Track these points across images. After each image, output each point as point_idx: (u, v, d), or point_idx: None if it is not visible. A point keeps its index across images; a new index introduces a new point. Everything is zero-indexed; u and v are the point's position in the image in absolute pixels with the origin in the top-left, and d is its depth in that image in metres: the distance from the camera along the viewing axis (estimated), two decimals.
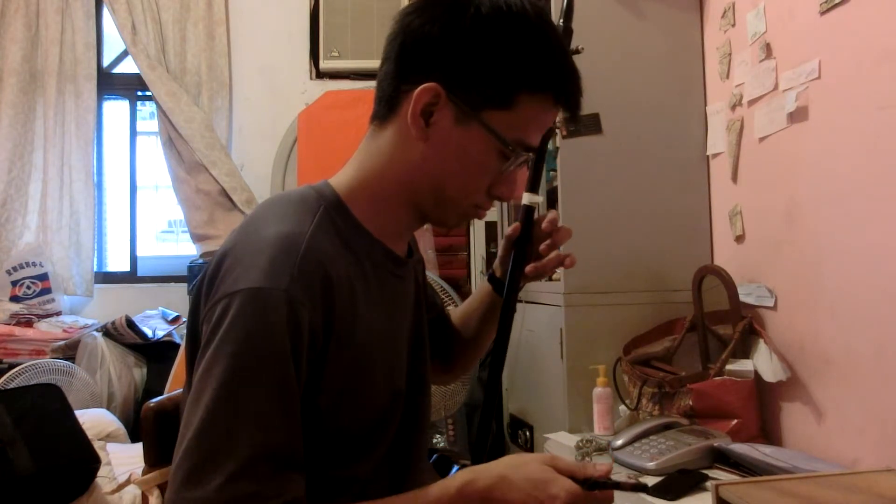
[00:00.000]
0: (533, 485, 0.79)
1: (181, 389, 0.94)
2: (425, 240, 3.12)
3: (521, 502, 0.78)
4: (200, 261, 3.13)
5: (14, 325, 2.92)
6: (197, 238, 3.30)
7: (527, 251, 1.09)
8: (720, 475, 1.40)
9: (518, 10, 0.84)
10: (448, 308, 1.24)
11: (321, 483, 0.82)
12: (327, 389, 0.80)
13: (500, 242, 1.15)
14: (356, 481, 0.86)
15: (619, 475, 0.82)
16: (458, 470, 0.91)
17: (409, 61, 0.86)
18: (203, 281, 0.83)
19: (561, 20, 1.13)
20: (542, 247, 1.09)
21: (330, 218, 0.86)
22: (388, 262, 0.91)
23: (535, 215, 1.10)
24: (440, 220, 0.94)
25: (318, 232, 0.82)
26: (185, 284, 3.17)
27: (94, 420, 2.40)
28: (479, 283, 3.14)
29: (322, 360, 0.79)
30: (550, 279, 2.11)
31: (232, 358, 0.73)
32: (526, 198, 1.10)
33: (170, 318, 3.09)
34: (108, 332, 2.87)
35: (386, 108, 0.88)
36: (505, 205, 2.53)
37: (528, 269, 1.09)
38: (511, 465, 0.81)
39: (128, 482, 1.99)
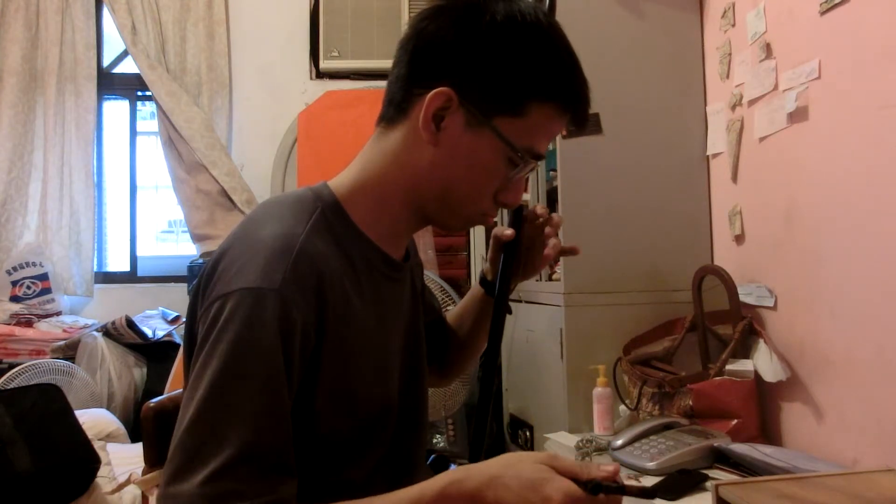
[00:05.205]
0: (526, 485, 0.72)
1: (181, 389, 0.94)
2: (425, 240, 3.11)
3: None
4: (200, 261, 3.13)
5: (14, 325, 2.92)
6: (197, 238, 3.30)
7: (517, 250, 1.07)
8: (720, 475, 1.40)
9: (532, 19, 0.84)
10: (447, 310, 1.24)
11: (316, 488, 0.81)
12: (321, 391, 0.80)
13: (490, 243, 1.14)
14: (352, 486, 0.85)
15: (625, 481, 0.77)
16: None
17: (421, 65, 0.86)
18: (200, 281, 0.83)
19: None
20: (548, 230, 1.08)
21: (326, 220, 0.86)
22: (383, 265, 0.91)
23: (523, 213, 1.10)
24: (444, 224, 0.94)
25: (312, 233, 0.82)
26: (185, 284, 3.17)
27: (94, 420, 2.40)
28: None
29: (316, 362, 0.79)
30: (550, 279, 2.11)
31: (224, 357, 0.73)
32: None
33: (170, 318, 3.09)
34: (108, 332, 2.87)
35: (395, 111, 0.88)
36: None
37: (546, 250, 1.07)
38: (505, 464, 0.75)
39: (128, 482, 1.99)
